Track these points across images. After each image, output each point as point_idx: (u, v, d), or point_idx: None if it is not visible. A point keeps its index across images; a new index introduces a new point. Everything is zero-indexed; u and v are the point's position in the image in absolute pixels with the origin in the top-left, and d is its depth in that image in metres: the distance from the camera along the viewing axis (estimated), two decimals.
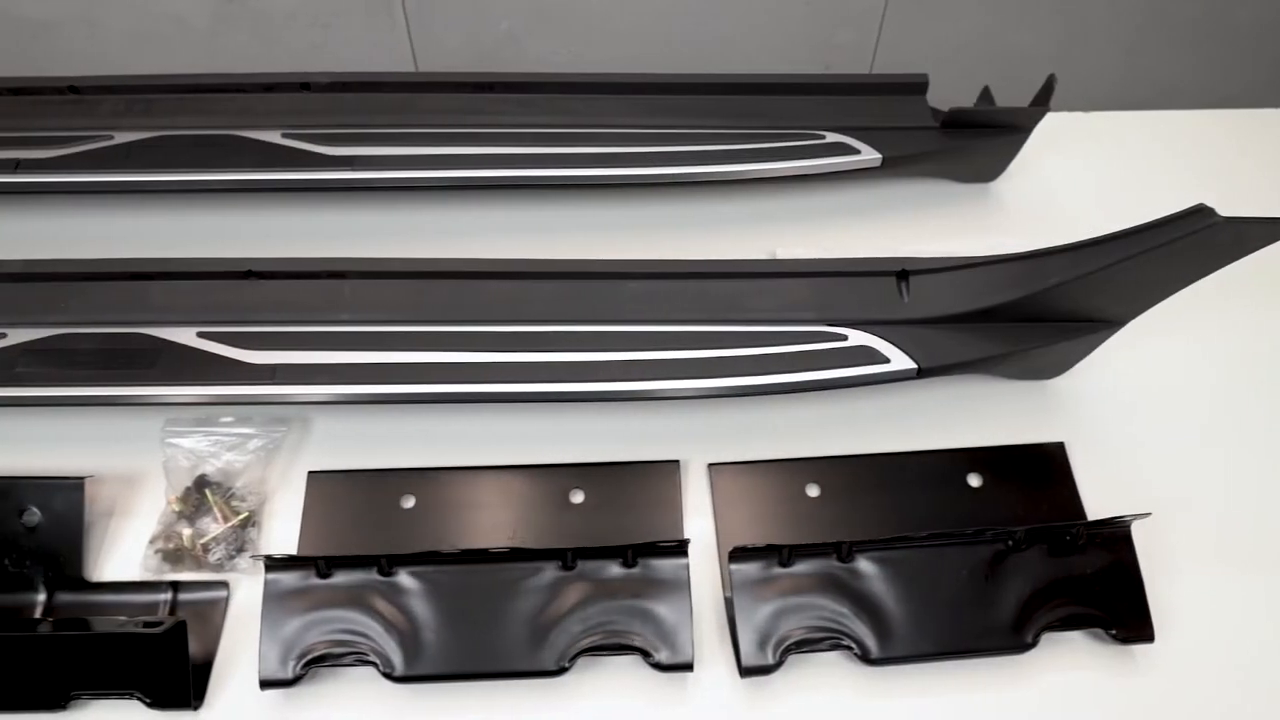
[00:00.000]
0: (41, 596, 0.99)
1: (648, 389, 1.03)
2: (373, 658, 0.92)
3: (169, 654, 0.91)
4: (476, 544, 1.01)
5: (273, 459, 1.08)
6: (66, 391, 0.98)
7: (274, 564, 0.93)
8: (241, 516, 1.03)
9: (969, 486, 1.08)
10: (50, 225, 1.21)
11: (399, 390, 0.99)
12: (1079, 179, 1.38)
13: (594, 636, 0.93)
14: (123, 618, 0.96)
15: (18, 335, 1.01)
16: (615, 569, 0.95)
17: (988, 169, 1.32)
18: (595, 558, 0.95)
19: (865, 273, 1.05)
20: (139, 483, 1.07)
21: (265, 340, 1.00)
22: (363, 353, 1.01)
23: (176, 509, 1.04)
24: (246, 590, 1.00)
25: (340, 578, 0.94)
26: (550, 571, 0.95)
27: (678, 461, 1.09)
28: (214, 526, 1.02)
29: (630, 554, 0.95)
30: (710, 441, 1.10)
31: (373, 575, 0.95)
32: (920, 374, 1.00)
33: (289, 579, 0.94)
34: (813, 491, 1.08)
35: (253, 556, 0.92)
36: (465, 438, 1.10)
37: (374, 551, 0.94)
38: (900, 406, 1.13)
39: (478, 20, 2.13)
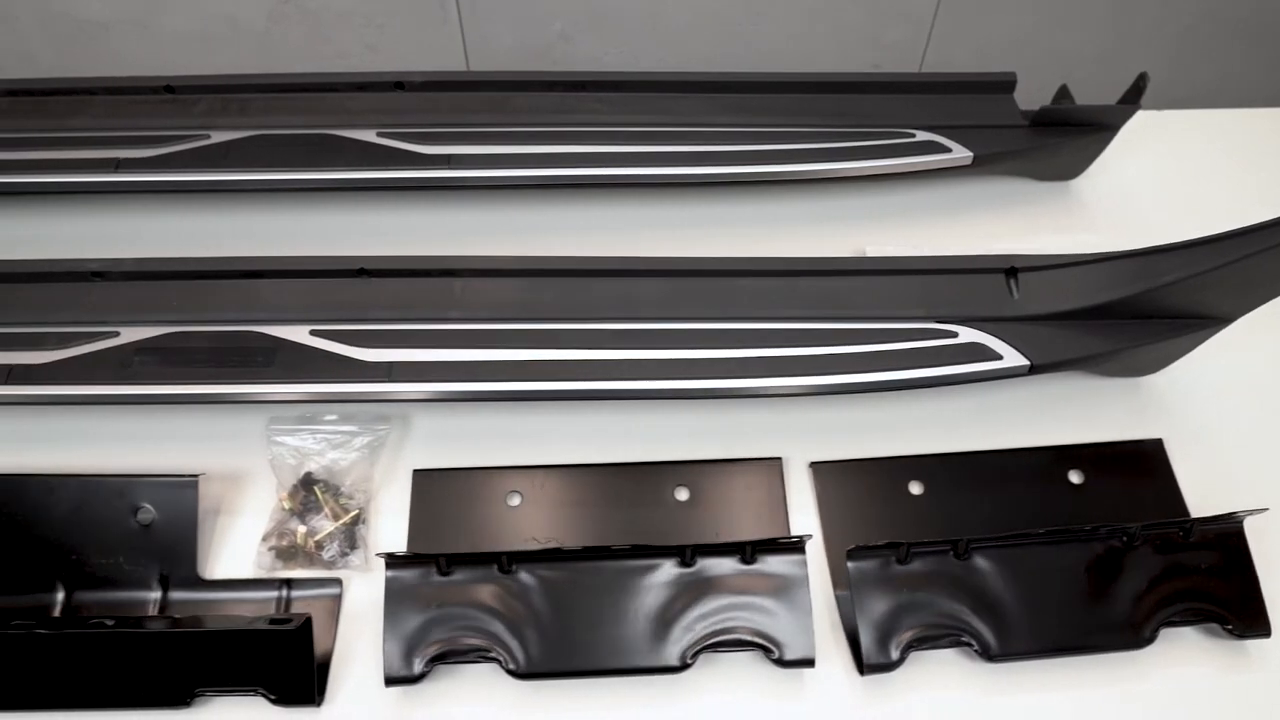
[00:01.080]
0: (156, 594, 1.00)
1: (755, 386, 1.03)
2: (497, 655, 0.92)
3: (295, 650, 0.91)
4: (583, 542, 1.01)
5: (377, 457, 1.08)
6: (181, 390, 0.98)
7: (395, 561, 0.94)
8: (352, 514, 1.04)
9: (1070, 483, 1.09)
10: (150, 224, 1.21)
11: (508, 388, 1.00)
12: (1155, 176, 1.38)
13: (715, 633, 0.93)
14: (248, 614, 0.97)
15: (131, 334, 1.01)
16: (734, 565, 0.95)
17: (1070, 167, 1.32)
18: (714, 554, 0.95)
19: (973, 270, 1.05)
20: (242, 480, 1.08)
21: (378, 338, 1.01)
22: (473, 350, 1.01)
23: (287, 506, 1.04)
24: (358, 587, 1.01)
25: (461, 575, 0.95)
26: (670, 568, 0.95)
27: (780, 459, 1.09)
28: (326, 524, 1.03)
29: (749, 550, 0.95)
30: (806, 438, 1.10)
31: (493, 572, 0.95)
32: (1032, 370, 1.00)
33: (410, 576, 0.94)
34: (915, 489, 1.08)
35: (378, 554, 0.92)
36: (568, 435, 1.10)
37: (480, 548, 0.94)
38: (995, 404, 1.13)
39: (531, 20, 2.13)
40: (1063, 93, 1.31)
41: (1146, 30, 2.23)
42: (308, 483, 1.05)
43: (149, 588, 1.00)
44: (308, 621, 0.90)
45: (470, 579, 0.95)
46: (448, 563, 0.94)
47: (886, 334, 1.04)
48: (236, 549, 1.03)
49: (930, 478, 1.08)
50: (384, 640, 0.92)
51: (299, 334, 1.01)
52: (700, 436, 1.10)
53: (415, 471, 1.07)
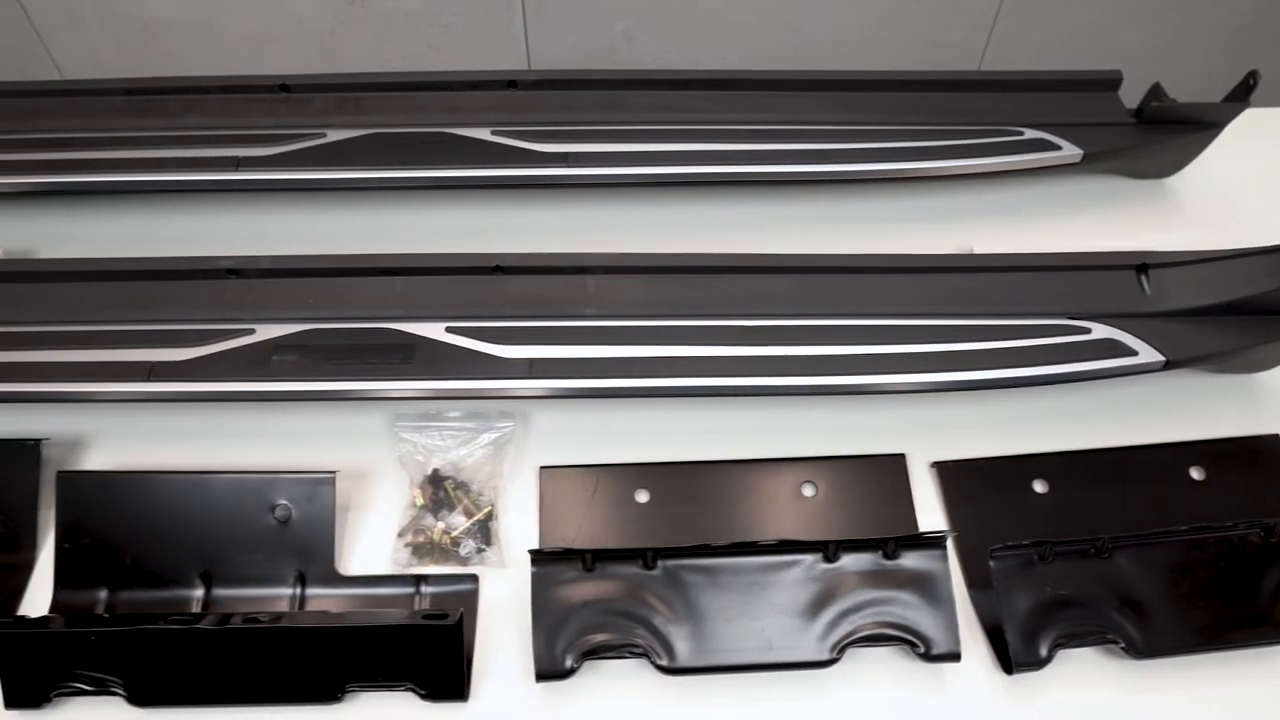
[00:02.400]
0: (294, 590, 1.00)
1: (883, 383, 1.03)
2: (646, 650, 0.92)
3: (448, 645, 0.91)
4: (712, 538, 1.02)
5: (503, 453, 1.08)
6: (319, 386, 0.99)
7: (541, 557, 0.94)
8: (485, 510, 1.04)
9: (1191, 480, 1.09)
10: (265, 222, 1.22)
11: (642, 384, 1.00)
12: (1251, 174, 1.38)
13: (862, 627, 0.94)
14: (386, 610, 0.97)
15: (267, 331, 1.01)
16: (876, 561, 0.96)
17: (1170, 164, 1.33)
18: (857, 550, 0.96)
19: (1102, 266, 1.06)
20: (365, 477, 1.08)
21: (514, 335, 1.01)
22: (606, 347, 1.02)
23: (420, 503, 1.04)
24: (493, 583, 1.01)
25: (606, 570, 0.95)
26: (813, 563, 0.95)
27: (903, 455, 1.09)
28: (460, 520, 1.03)
29: (892, 546, 0.95)
30: (925, 434, 1.10)
31: (637, 568, 0.95)
32: (1167, 366, 1.00)
33: (557, 572, 0.94)
34: (1039, 488, 1.08)
35: (533, 552, 0.93)
36: (691, 430, 1.10)
37: (611, 545, 0.94)
38: (1111, 401, 1.13)
39: (594, 20, 2.14)
40: (1156, 91, 1.32)
41: (1204, 27, 2.24)
42: (436, 479, 1.06)
43: (286, 584, 1.00)
44: (462, 616, 0.90)
45: (615, 574, 0.95)
46: (593, 558, 0.94)
47: (1017, 330, 1.04)
48: (369, 545, 1.04)
49: (1053, 476, 1.08)
50: (534, 635, 0.92)
51: (436, 331, 1.01)
52: (823, 433, 1.11)
53: (541, 468, 1.07)
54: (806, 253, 1.10)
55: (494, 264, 1.04)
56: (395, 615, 0.93)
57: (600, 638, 0.92)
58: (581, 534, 1.04)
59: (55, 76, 2.13)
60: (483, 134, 1.18)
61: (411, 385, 0.98)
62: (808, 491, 1.07)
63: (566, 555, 0.94)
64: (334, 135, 1.17)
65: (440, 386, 0.98)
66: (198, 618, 0.91)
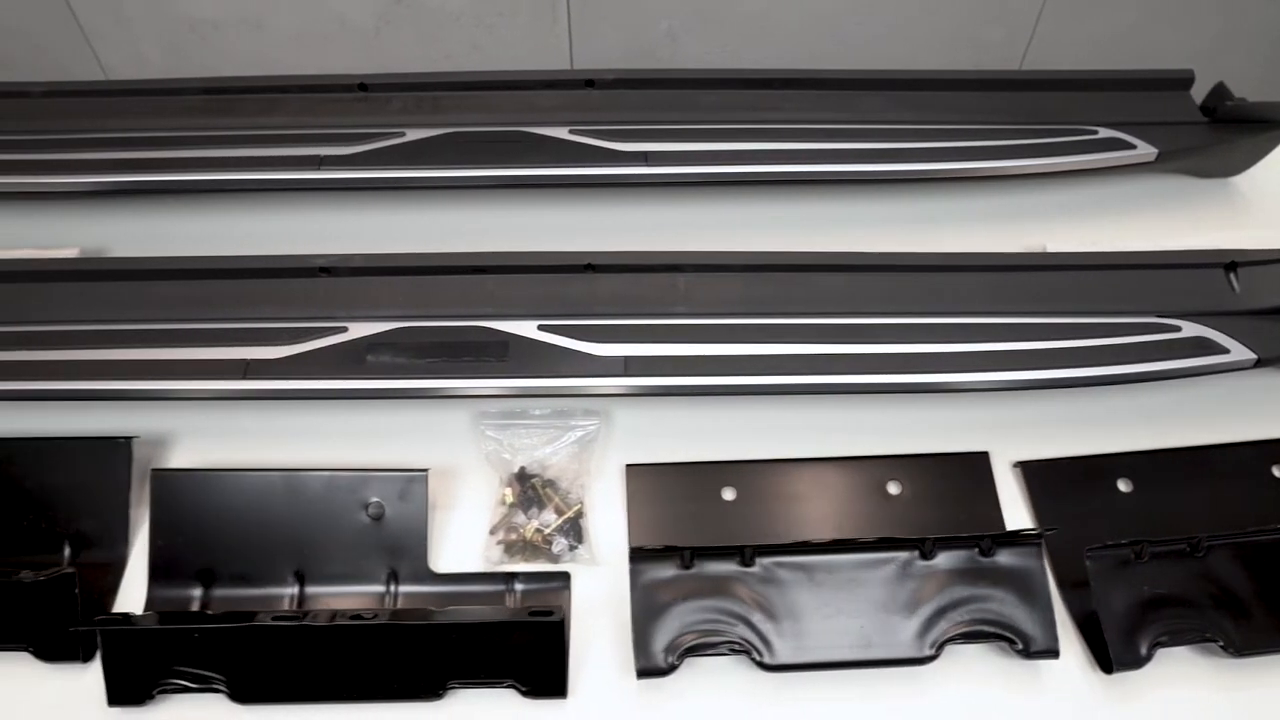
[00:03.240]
0: (387, 588, 1.00)
1: (973, 381, 1.04)
2: (746, 647, 0.93)
3: (550, 642, 0.91)
4: (800, 535, 1.02)
5: (589, 451, 1.09)
6: (414, 384, 0.99)
7: (641, 555, 0.94)
8: (575, 508, 1.04)
9: (1274, 478, 1.09)
10: (347, 221, 1.22)
11: (731, 382, 1.00)
12: None
13: (960, 624, 0.94)
14: (479, 607, 0.97)
15: (359, 329, 1.02)
16: (972, 558, 0.96)
17: (1238, 163, 1.33)
18: (953, 547, 0.96)
19: (1190, 265, 1.06)
20: (450, 474, 1.08)
21: (607, 333, 1.01)
22: (698, 345, 1.02)
23: (510, 501, 1.05)
24: (584, 581, 1.01)
25: (704, 568, 0.95)
26: (910, 561, 0.96)
27: (986, 453, 1.09)
28: (552, 518, 1.03)
29: (988, 543, 0.95)
30: (1008, 433, 1.11)
31: (735, 565, 0.95)
32: (1259, 364, 1.00)
33: (656, 570, 0.95)
34: (1124, 486, 1.08)
35: (633, 549, 0.93)
36: (774, 428, 1.10)
37: (700, 542, 0.94)
38: (1190, 399, 1.13)
39: (638, 20, 2.14)
40: (1220, 90, 1.32)
41: (1247, 28, 2.24)
42: (524, 477, 1.06)
43: (379, 581, 1.01)
44: (563, 613, 0.91)
45: (714, 571, 0.95)
46: (691, 555, 0.95)
47: (1103, 328, 1.05)
48: (457, 542, 1.04)
49: (1137, 474, 1.09)
50: (634, 632, 0.92)
51: (528, 329, 1.01)
52: (905, 431, 1.11)
53: (626, 466, 1.07)
54: (889, 251, 1.10)
55: (585, 262, 1.04)
56: (501, 612, 0.94)
57: (700, 635, 0.93)
58: (669, 532, 1.04)
59: (100, 77, 2.13)
60: (560, 133, 1.19)
61: (507, 383, 0.99)
62: (893, 489, 1.07)
63: (665, 553, 0.94)
64: (413, 134, 1.18)
65: (535, 384, 0.98)
66: (302, 615, 0.91)
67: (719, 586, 0.95)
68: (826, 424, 1.11)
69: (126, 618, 0.92)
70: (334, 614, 0.90)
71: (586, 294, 1.03)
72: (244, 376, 0.98)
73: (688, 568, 0.95)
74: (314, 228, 1.21)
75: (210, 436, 1.08)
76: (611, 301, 1.03)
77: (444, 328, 1.01)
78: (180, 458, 1.08)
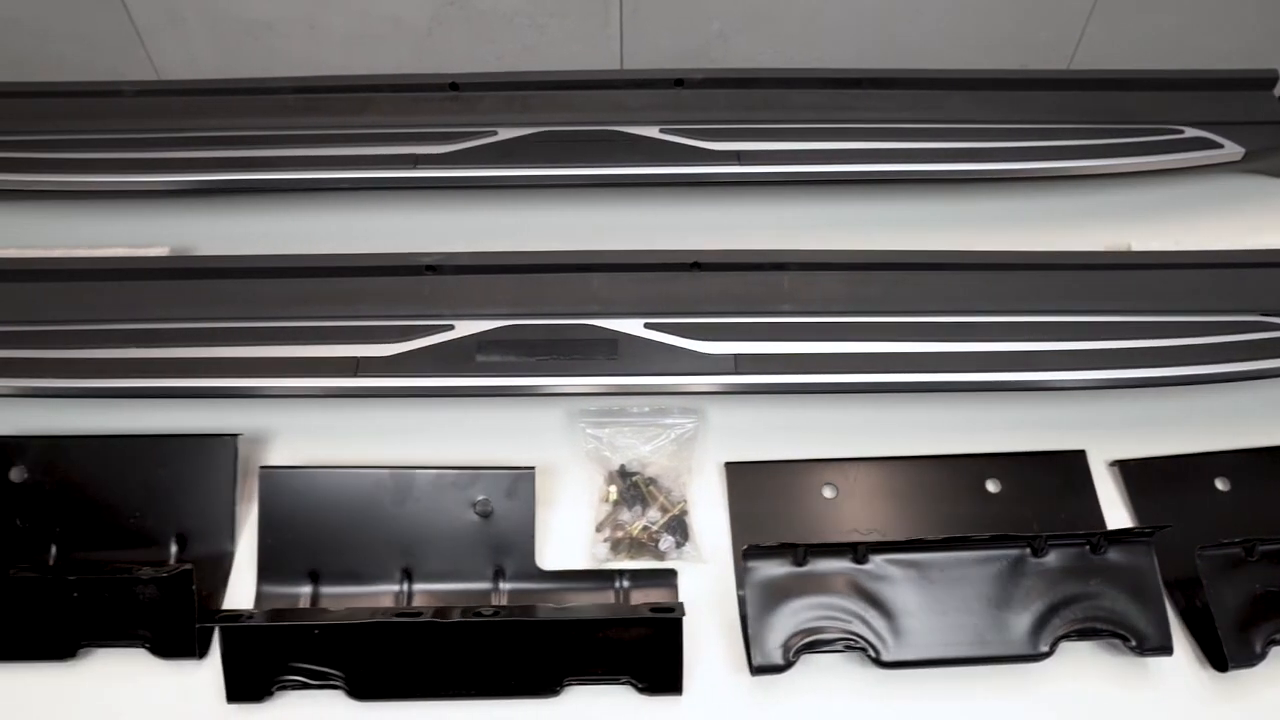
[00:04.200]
0: (494, 585, 1.00)
1: (1068, 379, 1.04)
2: (862, 643, 0.93)
3: (668, 639, 0.92)
4: (901, 533, 1.02)
5: (689, 449, 1.09)
6: (523, 381, 0.99)
7: (755, 552, 0.94)
8: (679, 505, 1.04)
9: None
10: (439, 219, 1.23)
11: (845, 380, 1.01)
12: None
13: (1072, 621, 0.94)
14: (588, 604, 0.98)
15: (465, 327, 1.02)
16: (1084, 556, 0.96)
17: None
18: (1064, 545, 0.96)
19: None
20: (548, 472, 1.08)
21: (714, 330, 1.02)
22: (803, 343, 1.02)
23: (613, 498, 1.05)
24: (690, 578, 1.02)
25: (818, 565, 0.95)
26: (1022, 558, 0.96)
27: (1083, 451, 1.10)
28: (658, 515, 1.03)
29: (1100, 541, 0.96)
30: (1101, 431, 1.11)
31: (848, 562, 0.96)
32: None
33: (771, 567, 0.95)
34: (1221, 485, 1.09)
35: (745, 548, 0.93)
36: (872, 426, 1.11)
37: (803, 539, 0.95)
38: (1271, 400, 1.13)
39: (690, 20, 2.13)
40: None
41: None
42: (626, 474, 1.06)
43: (486, 579, 1.01)
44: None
45: (827, 569, 0.95)
46: (805, 553, 0.95)
47: (1203, 327, 1.05)
48: (560, 539, 1.04)
49: (1234, 473, 1.09)
50: (750, 629, 0.93)
51: (634, 327, 1.02)
52: (999, 429, 1.11)
53: (727, 464, 1.08)
54: (980, 250, 1.11)
55: (691, 260, 1.04)
56: (622, 609, 0.94)
57: (815, 632, 0.93)
58: (769, 530, 1.04)
59: (152, 77, 2.13)
60: (651, 132, 1.19)
61: (617, 380, 0.99)
62: (992, 487, 1.08)
63: (780, 550, 0.95)
64: (505, 133, 1.18)
65: (646, 382, 0.99)
66: (423, 612, 0.91)
67: (832, 584, 0.95)
68: (922, 421, 1.12)
69: (246, 615, 0.92)
70: (455, 610, 0.90)
71: (693, 292, 1.03)
72: (355, 374, 0.98)
73: (801, 565, 0.95)
74: (405, 226, 1.22)
75: (304, 434, 1.09)
76: (718, 300, 1.03)
77: (550, 325, 1.01)
78: (277, 455, 1.08)
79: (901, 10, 2.16)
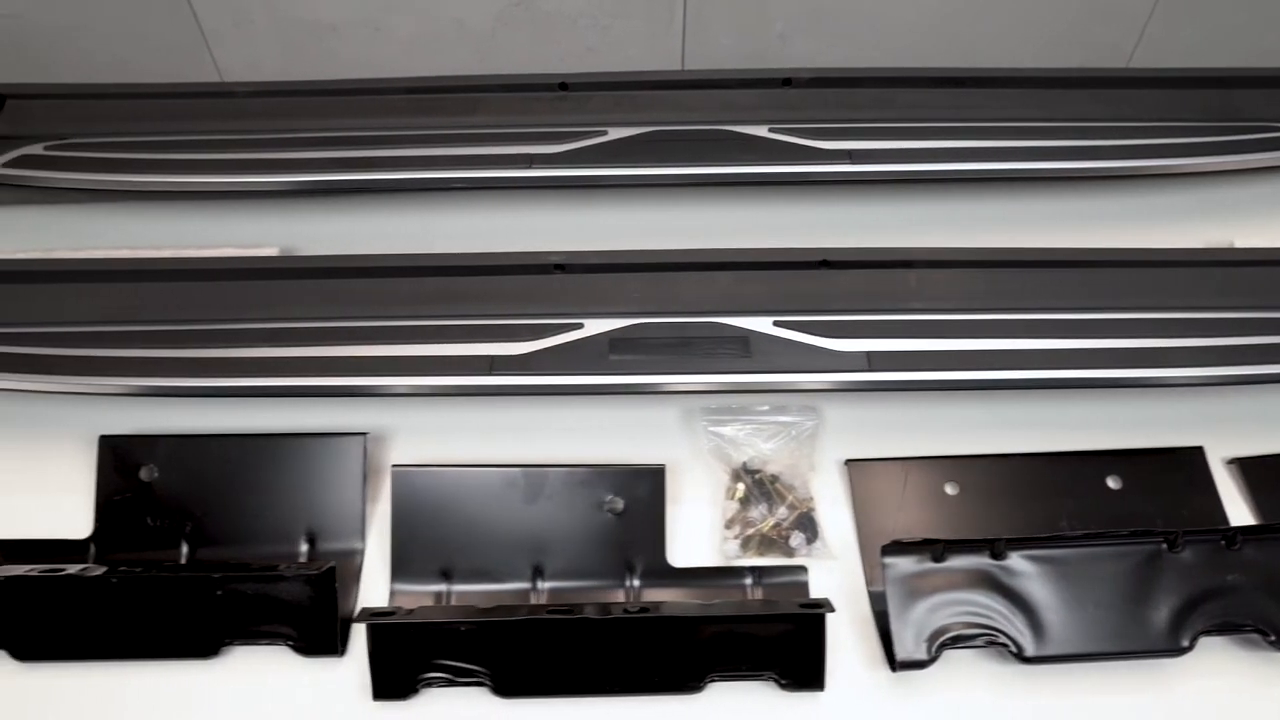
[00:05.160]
0: (627, 582, 1.01)
1: (1189, 376, 1.04)
2: (1003, 638, 0.93)
3: (810, 635, 0.92)
4: (1025, 530, 1.02)
5: (810, 446, 1.09)
6: (655, 379, 1.00)
7: (894, 549, 0.95)
8: (807, 502, 1.05)
9: None
10: (546, 218, 1.23)
11: (973, 377, 1.01)
12: None
13: (1212, 617, 0.94)
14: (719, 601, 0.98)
15: (595, 325, 1.02)
16: (1220, 552, 0.96)
17: None
18: (1201, 540, 0.96)
19: None
20: (670, 470, 1.08)
21: (844, 328, 1.02)
22: (933, 340, 1.03)
23: (740, 496, 1.05)
24: (818, 574, 1.02)
25: (956, 561, 0.96)
26: (1159, 553, 0.96)
27: (1201, 448, 1.10)
28: (785, 513, 1.04)
29: (1236, 537, 0.96)
30: (1217, 427, 1.11)
31: (986, 559, 0.96)
32: None
33: (908, 564, 0.95)
34: None
35: (885, 545, 0.93)
36: (989, 424, 1.11)
37: (922, 536, 0.95)
38: None
39: (753, 21, 2.13)
40: None
41: None
42: (750, 472, 1.07)
43: (617, 576, 1.01)
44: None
45: (965, 565, 0.96)
46: (944, 549, 0.95)
47: None
48: (687, 537, 1.04)
49: None
50: (892, 625, 0.93)
51: (764, 325, 1.02)
52: (1116, 426, 1.11)
53: (848, 461, 1.08)
54: (1094, 247, 1.11)
55: (820, 259, 1.05)
56: (769, 605, 0.94)
57: (957, 627, 0.93)
58: (896, 526, 1.05)
59: (215, 79, 2.14)
60: (760, 131, 1.20)
61: (749, 379, 0.99)
62: (1113, 484, 1.08)
63: (919, 546, 0.95)
64: (615, 133, 1.19)
65: (778, 379, 0.99)
66: (570, 608, 0.91)
67: (971, 579, 0.96)
68: (1037, 419, 1.12)
69: (393, 612, 0.92)
70: (611, 607, 0.91)
71: (820, 290, 1.04)
72: (490, 371, 0.98)
73: (939, 561, 0.96)
74: (517, 225, 1.22)
75: (419, 433, 1.09)
76: (847, 298, 1.03)
77: (680, 324, 1.02)
78: (395, 454, 1.08)
79: (962, 10, 2.16)
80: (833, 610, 0.90)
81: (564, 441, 1.08)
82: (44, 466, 1.07)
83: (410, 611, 0.92)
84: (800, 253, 1.06)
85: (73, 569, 0.93)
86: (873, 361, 1.00)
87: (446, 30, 2.13)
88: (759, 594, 1.00)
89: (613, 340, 1.01)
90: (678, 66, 2.25)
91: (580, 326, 1.02)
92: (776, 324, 1.02)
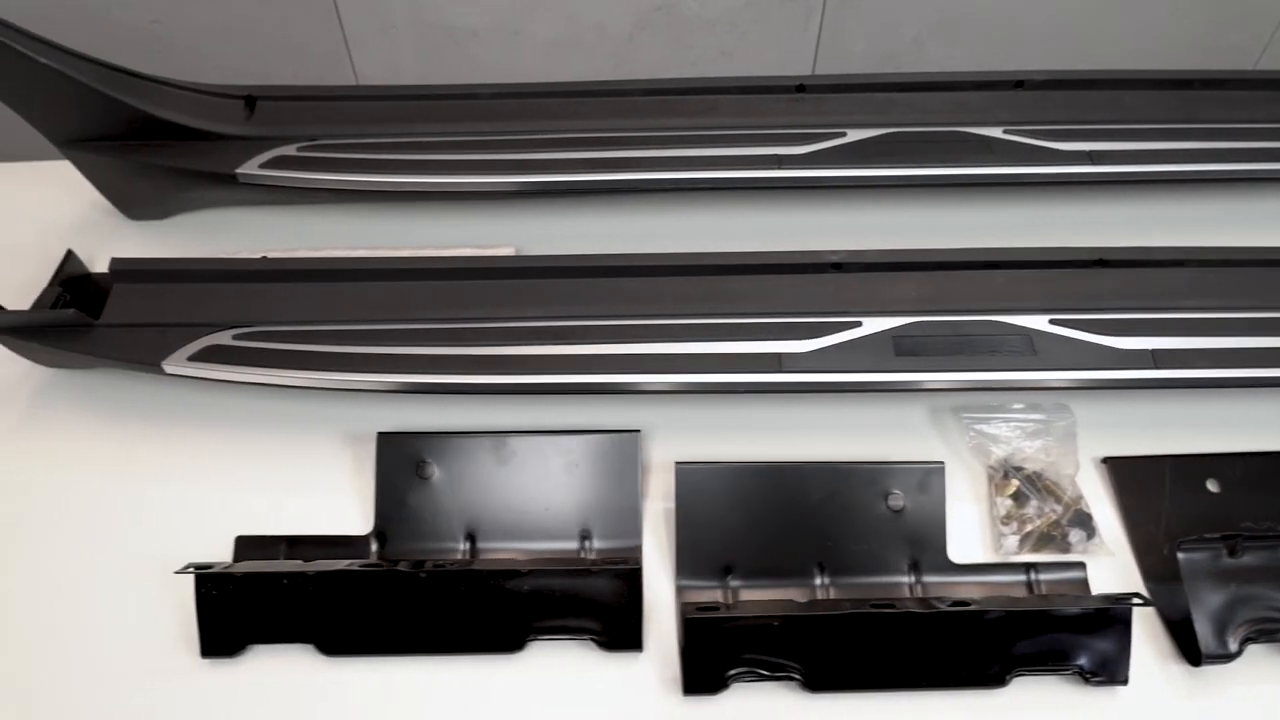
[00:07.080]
0: (909, 578, 1.02)
1: None
2: None
3: (1115, 629, 0.93)
4: None
5: (1066, 444, 1.10)
6: (939, 376, 1.01)
7: (1190, 544, 0.96)
8: (1078, 499, 1.05)
9: None
10: (787, 218, 1.25)
11: (1247, 375, 1.02)
12: None
13: None
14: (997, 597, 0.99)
15: (873, 324, 1.04)
16: None
17: None
18: None
19: None
20: None
21: (1123, 326, 1.03)
22: (1213, 338, 1.04)
23: (1010, 493, 1.06)
24: (1097, 570, 1.02)
25: (1249, 558, 0.97)
26: None
27: None
28: (1060, 510, 1.05)
29: None
30: None
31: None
32: None
33: (1204, 559, 0.96)
34: None
35: (1179, 540, 0.94)
36: (1249, 422, 1.11)
37: (1189, 532, 0.96)
38: None
39: (888, 27, 2.15)
40: None
41: None
42: (1017, 470, 1.07)
43: (901, 572, 1.02)
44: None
45: (1261, 562, 0.96)
46: (1240, 544, 0.96)
47: None
48: (960, 533, 1.05)
49: None
50: (1194, 620, 0.94)
51: (1039, 323, 1.03)
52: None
53: (1105, 459, 1.09)
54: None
55: (1096, 258, 1.06)
56: (1072, 600, 0.95)
57: (1263, 621, 0.94)
58: (1162, 523, 1.05)
59: (353, 83, 2.16)
60: (995, 132, 1.21)
61: (1033, 376, 1.00)
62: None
63: (1215, 541, 0.96)
64: (854, 135, 1.20)
65: (1062, 377, 1.00)
66: (892, 603, 0.92)
67: (1267, 574, 0.96)
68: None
69: (714, 607, 0.93)
70: (922, 601, 0.91)
71: (1095, 288, 1.05)
72: (780, 369, 1.00)
73: (1234, 556, 0.97)
74: (764, 225, 1.24)
75: (675, 430, 1.10)
76: (1122, 295, 1.04)
77: (957, 322, 1.03)
78: (657, 452, 1.09)
79: (1095, 14, 2.18)
80: (1140, 604, 0.91)
81: (811, 440, 1.09)
82: (318, 462, 1.09)
83: (730, 606, 0.93)
84: (1074, 251, 1.07)
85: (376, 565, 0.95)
86: (1158, 359, 1.01)
87: (586, 34, 2.15)
88: (1042, 589, 1.01)
89: (896, 338, 1.02)
90: (809, 71, 2.27)
91: (859, 325, 1.03)
92: (1053, 322, 1.03)
